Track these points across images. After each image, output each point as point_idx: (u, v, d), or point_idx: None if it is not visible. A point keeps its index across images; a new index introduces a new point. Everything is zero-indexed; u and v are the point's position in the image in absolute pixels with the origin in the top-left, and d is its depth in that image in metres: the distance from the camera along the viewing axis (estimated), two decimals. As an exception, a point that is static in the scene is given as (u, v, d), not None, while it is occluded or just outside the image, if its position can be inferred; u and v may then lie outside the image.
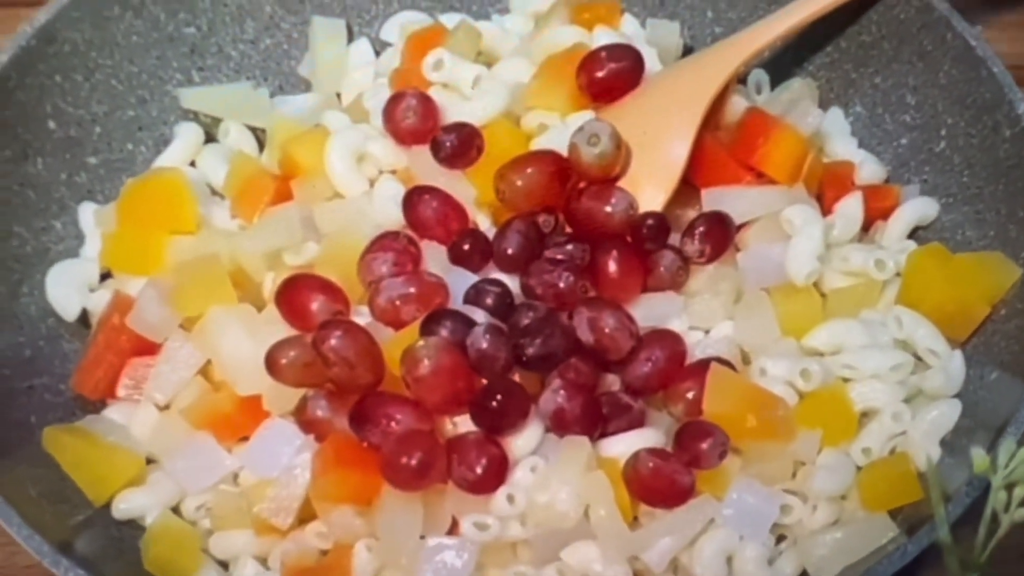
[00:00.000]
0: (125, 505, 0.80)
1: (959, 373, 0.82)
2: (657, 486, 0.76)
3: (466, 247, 0.82)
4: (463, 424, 0.78)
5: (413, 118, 0.86)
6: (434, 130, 0.85)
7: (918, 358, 0.83)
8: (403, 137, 0.86)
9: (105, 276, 0.89)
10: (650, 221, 0.83)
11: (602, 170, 0.83)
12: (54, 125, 0.89)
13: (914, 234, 0.88)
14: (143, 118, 0.93)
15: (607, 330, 0.78)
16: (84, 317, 0.88)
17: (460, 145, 0.84)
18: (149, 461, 0.83)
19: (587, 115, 0.86)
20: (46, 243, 0.88)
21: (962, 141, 0.87)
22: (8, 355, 0.84)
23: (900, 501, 0.78)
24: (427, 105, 0.86)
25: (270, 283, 0.84)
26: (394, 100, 0.86)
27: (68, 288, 0.87)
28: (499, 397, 0.76)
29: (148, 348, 0.84)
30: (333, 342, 0.76)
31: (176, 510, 0.81)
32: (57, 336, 0.87)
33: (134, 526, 0.81)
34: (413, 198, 0.84)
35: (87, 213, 0.90)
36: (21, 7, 0.92)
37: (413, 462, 0.74)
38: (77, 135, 0.90)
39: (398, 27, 0.95)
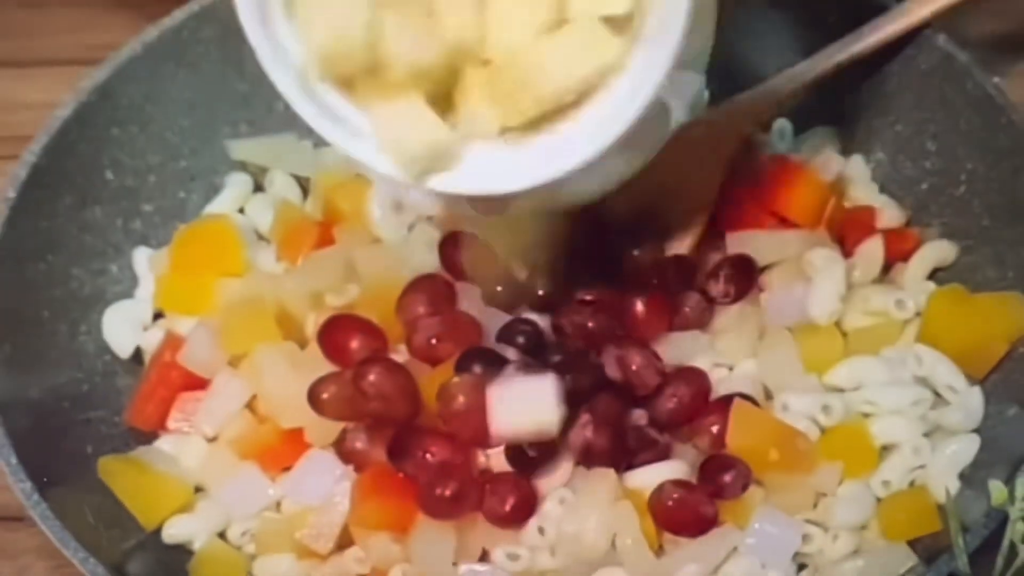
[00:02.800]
0: (174, 530, 0.85)
1: (978, 409, 0.86)
2: (681, 516, 0.81)
3: (499, 289, 0.89)
4: (495, 456, 0.83)
5: None
6: None
7: (938, 394, 0.87)
8: None
9: (158, 316, 0.94)
10: (676, 265, 0.89)
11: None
12: (111, 175, 0.95)
13: (934, 275, 0.92)
14: (195, 168, 0.98)
15: (634, 367, 0.84)
16: (138, 354, 0.93)
17: None
18: (197, 489, 0.87)
19: None
20: (103, 285, 0.94)
21: (981, 186, 0.92)
22: (67, 390, 0.89)
23: (919, 531, 0.82)
24: None
25: (312, 323, 0.89)
26: None
27: (123, 327, 0.93)
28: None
29: (197, 383, 0.89)
30: (372, 378, 0.82)
31: (222, 536, 0.86)
32: (112, 372, 0.92)
33: (183, 550, 0.85)
34: (448, 244, 0.91)
35: (141, 257, 0.95)
36: (82, 65, 0.98)
37: (448, 492, 0.80)
38: (133, 184, 0.96)
39: None
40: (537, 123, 0.72)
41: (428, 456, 0.82)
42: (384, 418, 0.83)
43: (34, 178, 0.90)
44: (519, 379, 0.82)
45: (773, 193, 0.92)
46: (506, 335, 0.87)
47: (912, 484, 0.85)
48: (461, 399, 0.81)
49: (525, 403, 0.81)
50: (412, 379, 0.83)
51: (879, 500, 0.85)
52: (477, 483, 0.82)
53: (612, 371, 0.84)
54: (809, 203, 0.92)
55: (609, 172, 0.79)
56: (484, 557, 0.83)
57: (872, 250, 0.92)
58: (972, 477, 0.84)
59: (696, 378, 0.86)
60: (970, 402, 0.87)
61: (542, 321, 0.88)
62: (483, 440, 0.83)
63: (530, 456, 0.82)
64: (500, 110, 0.72)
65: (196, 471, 0.87)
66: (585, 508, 0.81)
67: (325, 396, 0.84)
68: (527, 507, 0.82)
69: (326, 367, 0.86)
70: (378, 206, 0.93)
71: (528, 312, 0.89)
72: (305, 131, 0.97)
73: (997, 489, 0.76)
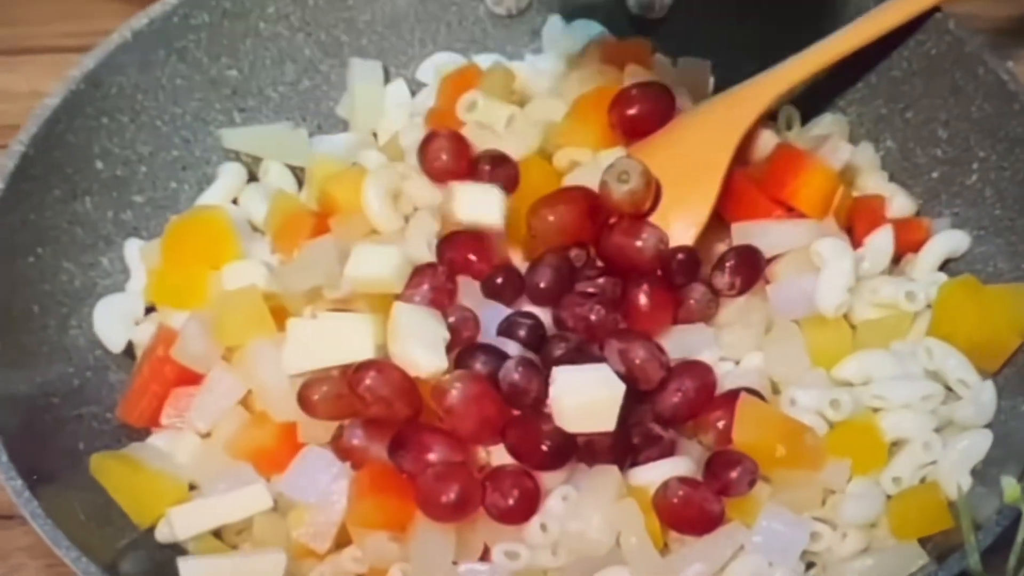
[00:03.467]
0: (168, 529, 0.85)
1: (990, 403, 0.86)
2: (687, 514, 0.82)
3: (499, 281, 0.89)
4: (496, 452, 0.83)
5: (446, 157, 0.93)
6: (467, 168, 0.92)
7: (949, 389, 0.87)
8: (437, 175, 0.93)
9: (150, 309, 0.94)
10: (680, 256, 0.89)
11: (632, 206, 0.90)
12: (101, 165, 0.95)
13: (945, 266, 0.93)
14: (187, 158, 0.99)
15: (637, 361, 0.84)
16: (130, 349, 0.93)
17: (496, 167, 0.92)
18: (191, 487, 0.87)
19: (618, 152, 0.92)
20: (93, 278, 0.94)
21: (994, 174, 0.92)
22: (58, 385, 0.89)
23: (930, 529, 0.82)
24: (459, 144, 0.93)
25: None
26: (427, 141, 0.94)
27: (114, 321, 0.93)
28: (550, 443, 0.81)
29: (191, 378, 0.89)
30: (368, 382, 0.82)
31: (217, 534, 0.86)
32: (104, 367, 0.92)
33: (177, 549, 0.85)
34: (446, 246, 0.90)
35: (133, 249, 0.95)
36: (70, 52, 0.98)
37: (452, 496, 0.80)
38: (123, 175, 0.96)
39: (433, 68, 1.02)
40: None
41: (429, 454, 0.82)
42: (385, 420, 0.83)
43: (22, 169, 0.90)
44: (579, 369, 0.82)
45: (780, 182, 0.92)
46: (507, 329, 0.87)
47: (923, 480, 0.86)
48: (454, 394, 0.82)
49: (589, 394, 0.81)
50: (408, 377, 0.83)
51: (889, 497, 0.85)
52: (480, 485, 0.82)
53: (615, 365, 0.84)
54: (817, 192, 0.91)
55: None
56: (486, 555, 0.83)
57: (882, 240, 0.92)
58: (984, 473, 0.85)
59: (701, 372, 0.87)
60: (982, 396, 0.87)
61: (543, 314, 0.88)
62: (481, 436, 0.83)
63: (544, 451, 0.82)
64: None
65: (190, 468, 0.88)
66: (589, 506, 0.81)
67: (316, 397, 0.84)
68: (531, 502, 0.82)
69: (322, 361, 0.86)
70: (374, 196, 0.93)
71: (529, 305, 0.89)
72: (300, 119, 1.02)
73: (1010, 485, 0.76)
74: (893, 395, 0.86)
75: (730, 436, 0.84)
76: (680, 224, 0.91)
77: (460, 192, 0.90)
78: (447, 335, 0.85)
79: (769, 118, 0.97)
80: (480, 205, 0.90)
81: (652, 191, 0.90)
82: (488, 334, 0.87)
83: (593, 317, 0.87)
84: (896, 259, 0.93)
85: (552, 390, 0.82)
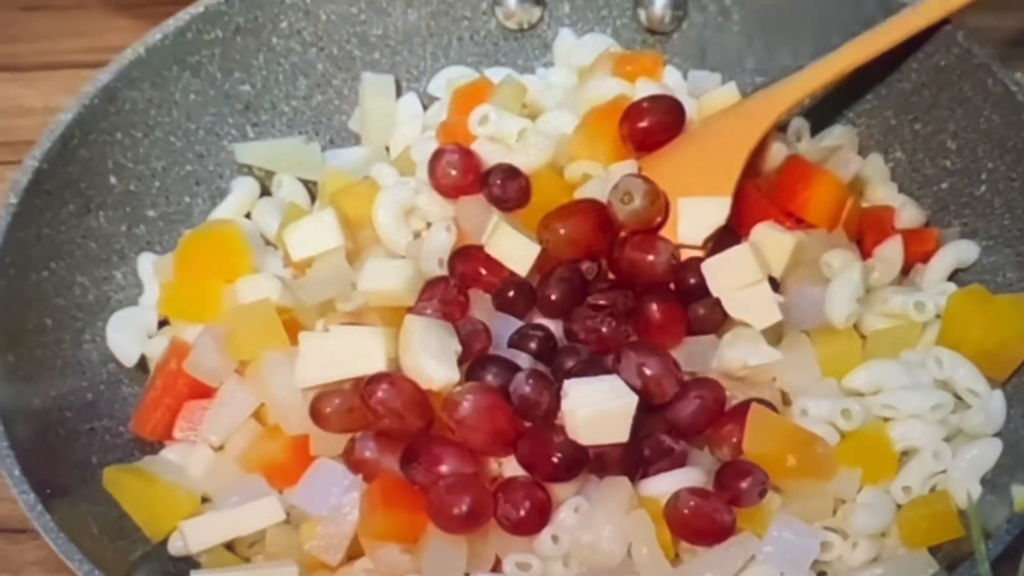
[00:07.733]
0: (181, 542, 0.85)
1: (999, 412, 0.87)
2: (698, 524, 0.82)
3: (511, 294, 0.89)
4: (508, 464, 0.84)
5: (454, 173, 0.93)
6: (476, 183, 0.93)
7: (958, 398, 0.87)
8: (447, 191, 0.94)
9: (163, 323, 0.95)
10: (692, 281, 0.88)
11: (639, 224, 0.90)
12: (115, 180, 0.96)
13: (954, 276, 0.93)
14: (200, 172, 1.00)
15: (654, 375, 0.84)
16: (143, 363, 0.94)
17: (507, 180, 0.92)
18: (204, 499, 0.87)
19: (629, 165, 0.93)
20: (107, 292, 0.95)
21: (1003, 185, 0.92)
22: (71, 399, 0.90)
23: (940, 538, 0.82)
24: (468, 159, 0.94)
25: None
26: (435, 157, 0.94)
27: (128, 335, 0.93)
28: (561, 455, 0.81)
29: (204, 391, 0.89)
30: (380, 395, 0.82)
31: (230, 547, 0.86)
32: (117, 381, 0.93)
33: (190, 562, 0.85)
34: (458, 260, 0.91)
35: (146, 263, 0.96)
36: (84, 68, 0.99)
37: (464, 508, 0.80)
38: (137, 189, 0.97)
39: (445, 82, 1.03)
40: None
41: (440, 466, 0.82)
42: (398, 433, 0.83)
43: (36, 184, 0.91)
44: (591, 381, 0.83)
45: (790, 194, 0.92)
46: (518, 341, 0.88)
47: (933, 490, 0.86)
48: (466, 406, 0.82)
49: (603, 406, 0.81)
50: (420, 389, 0.84)
51: (899, 506, 0.85)
52: (491, 495, 0.82)
53: (631, 378, 0.84)
54: (826, 204, 0.92)
55: None
56: (497, 567, 0.83)
57: (891, 251, 0.92)
58: (994, 482, 0.85)
59: (712, 388, 0.86)
60: (992, 405, 0.87)
61: (554, 326, 0.89)
62: (493, 448, 0.83)
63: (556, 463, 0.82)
64: None
65: (203, 481, 0.88)
66: (600, 517, 0.82)
67: (328, 410, 0.85)
68: (542, 513, 0.82)
69: (334, 373, 0.86)
70: (385, 215, 0.94)
71: (540, 317, 0.90)
72: (312, 134, 1.03)
73: (1020, 494, 0.77)
74: (903, 405, 0.87)
75: (742, 447, 0.84)
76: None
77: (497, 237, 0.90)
78: (459, 347, 0.85)
79: (779, 130, 0.97)
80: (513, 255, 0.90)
81: (659, 208, 0.90)
82: (500, 346, 0.88)
83: (604, 329, 0.87)
84: (905, 270, 0.93)
85: (565, 403, 0.82)
